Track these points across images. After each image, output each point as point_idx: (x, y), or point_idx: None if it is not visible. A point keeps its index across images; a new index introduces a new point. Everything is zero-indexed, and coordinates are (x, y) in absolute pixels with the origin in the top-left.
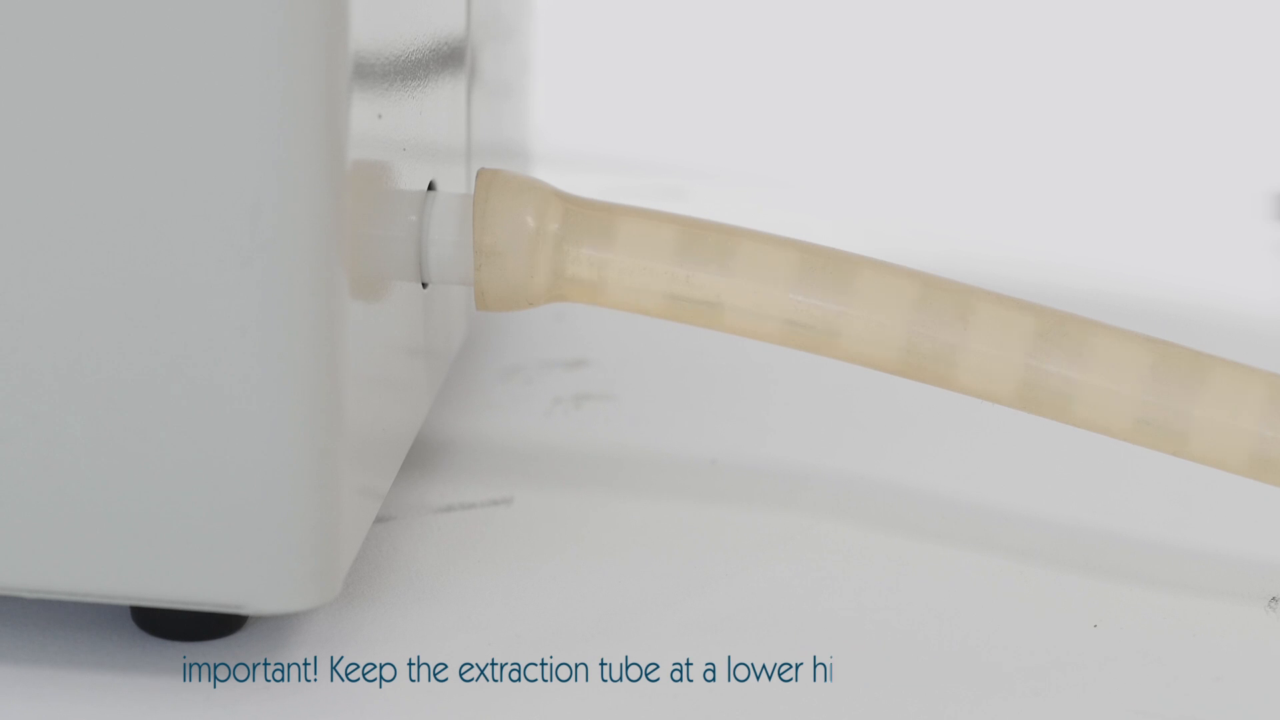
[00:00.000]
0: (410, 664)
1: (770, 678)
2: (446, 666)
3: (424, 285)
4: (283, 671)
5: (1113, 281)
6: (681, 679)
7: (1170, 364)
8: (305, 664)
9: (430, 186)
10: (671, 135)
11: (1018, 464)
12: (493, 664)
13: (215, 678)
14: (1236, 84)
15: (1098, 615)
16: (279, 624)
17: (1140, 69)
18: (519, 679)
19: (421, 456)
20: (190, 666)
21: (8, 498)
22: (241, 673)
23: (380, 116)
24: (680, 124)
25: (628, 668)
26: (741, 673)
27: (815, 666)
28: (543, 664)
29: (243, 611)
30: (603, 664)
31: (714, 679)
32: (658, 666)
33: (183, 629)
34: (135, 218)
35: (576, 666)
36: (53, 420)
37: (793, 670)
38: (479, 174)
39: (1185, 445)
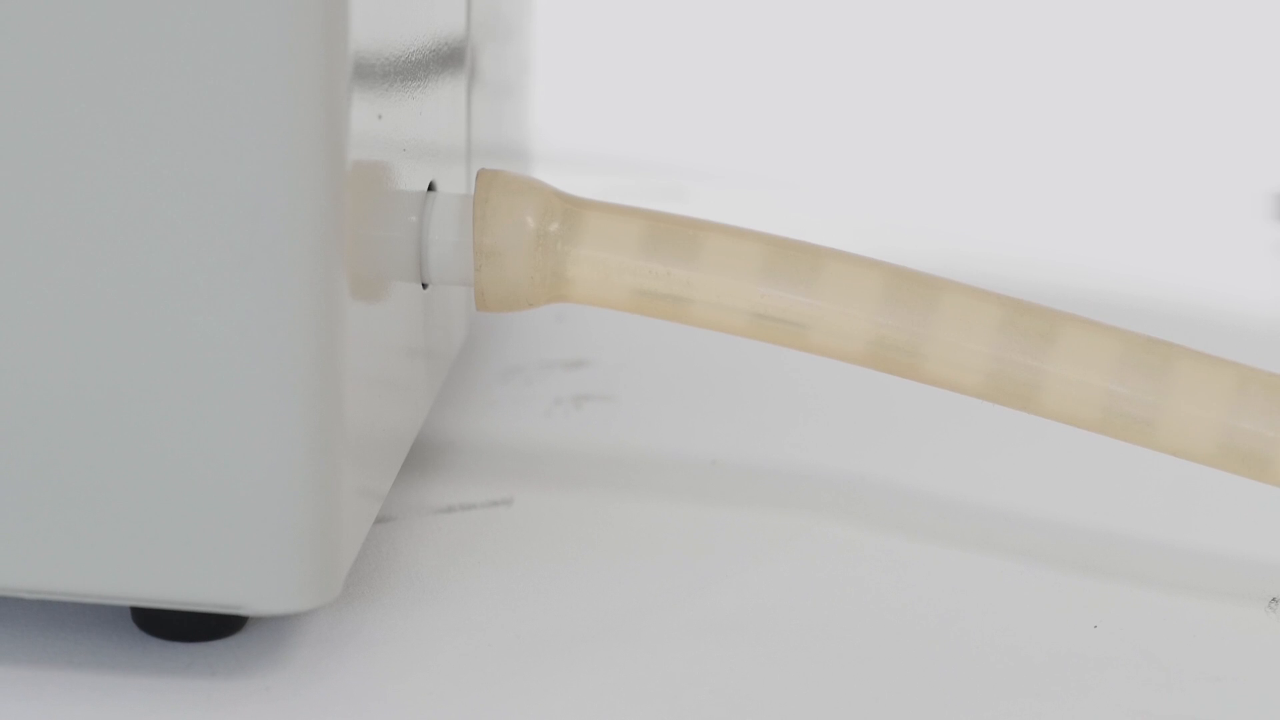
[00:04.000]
0: (410, 665)
1: (770, 678)
2: (447, 668)
3: (424, 286)
4: (283, 672)
5: (1113, 281)
6: (682, 680)
7: (1138, 354)
8: (305, 665)
9: (430, 187)
10: (672, 135)
11: (1018, 464)
12: (493, 665)
13: (215, 678)
14: (1236, 84)
15: (1098, 615)
16: (279, 625)
17: (1140, 69)
18: (519, 680)
19: (422, 457)
20: (190, 667)
21: (8, 498)
22: (242, 674)
23: (380, 117)
24: (680, 124)
25: (628, 669)
26: (742, 673)
27: (815, 667)
28: (543, 665)
29: (243, 612)
30: (603, 665)
31: (714, 679)
32: (658, 667)
33: (183, 630)
34: (135, 218)
35: (577, 667)
36: (53, 420)
37: (792, 671)
38: (479, 174)
39: (1153, 435)
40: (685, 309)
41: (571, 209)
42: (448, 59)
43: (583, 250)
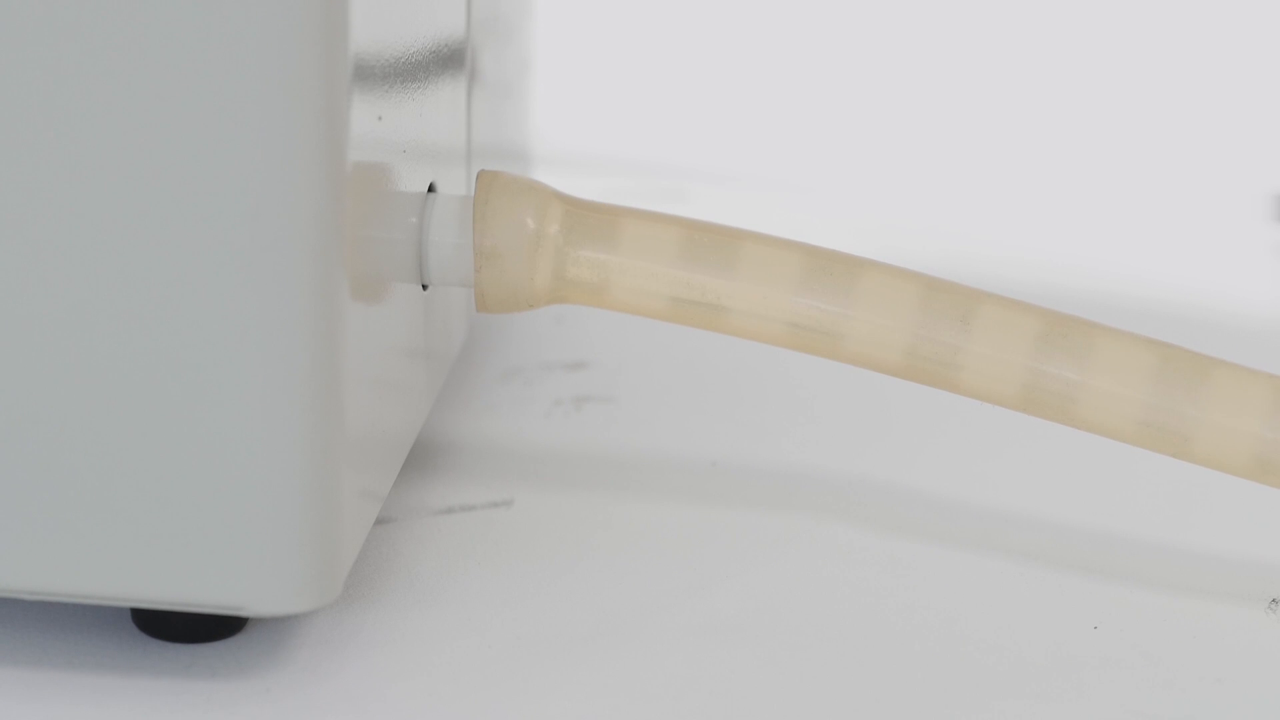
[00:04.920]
0: (410, 666)
1: (769, 679)
2: (446, 669)
3: (424, 287)
4: (283, 673)
5: (1113, 281)
6: (682, 680)
7: (1174, 366)
8: (305, 666)
9: (430, 188)
10: (672, 136)
11: (1018, 465)
12: (493, 665)
13: (215, 680)
14: (1236, 84)
15: (1098, 616)
16: (279, 626)
17: (1140, 69)
18: (519, 680)
19: (422, 458)
20: (191, 668)
21: (8, 498)
22: (242, 675)
23: (380, 118)
24: (681, 125)
25: (628, 669)
26: (741, 674)
27: (815, 668)
28: (543, 665)
29: (243, 613)
30: (603, 665)
31: (714, 680)
32: (658, 668)
33: (183, 631)
34: (136, 219)
35: (577, 667)
36: (52, 421)
37: (792, 672)
38: (479, 176)
39: (1188, 448)
40: (682, 309)
41: (571, 210)
42: (448, 60)
43: (582, 251)
